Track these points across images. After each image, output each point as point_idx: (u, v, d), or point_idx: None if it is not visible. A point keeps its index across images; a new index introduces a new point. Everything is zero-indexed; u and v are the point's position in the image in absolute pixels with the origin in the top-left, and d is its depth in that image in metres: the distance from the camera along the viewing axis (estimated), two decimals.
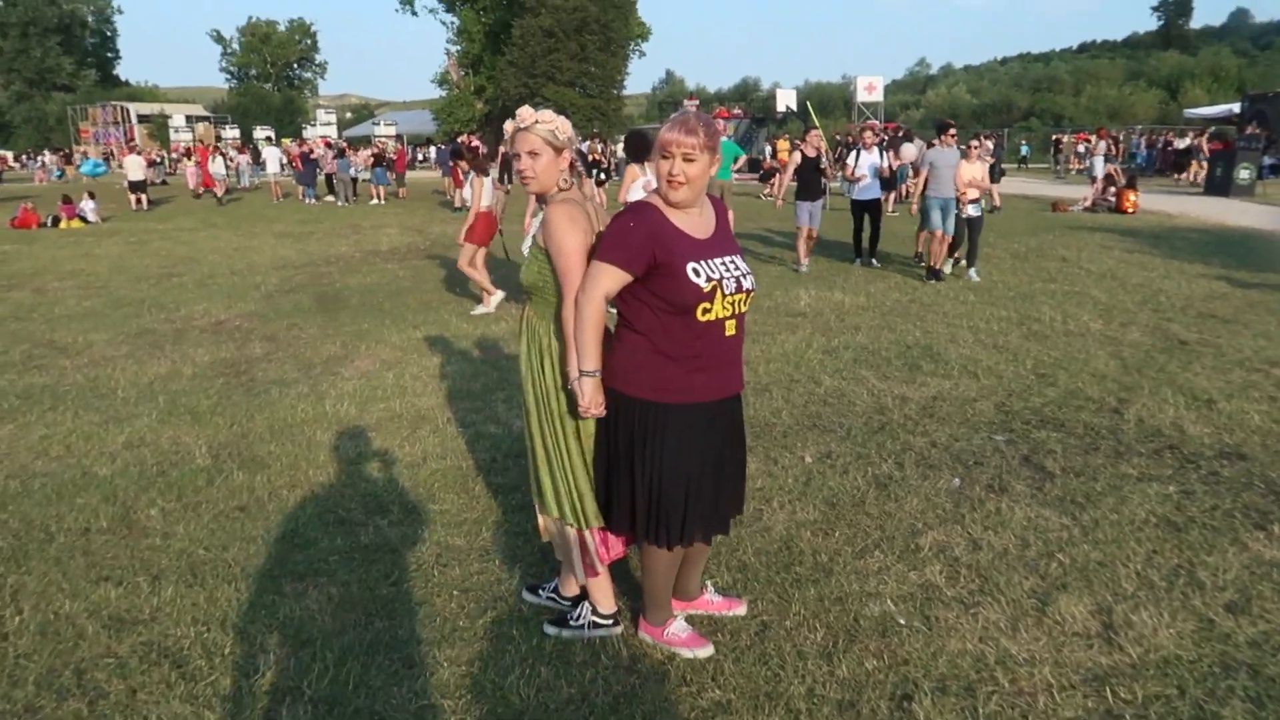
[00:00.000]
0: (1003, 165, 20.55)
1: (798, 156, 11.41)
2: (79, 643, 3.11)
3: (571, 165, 2.89)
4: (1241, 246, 12.79)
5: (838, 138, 39.91)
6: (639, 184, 8.43)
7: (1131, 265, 11.12)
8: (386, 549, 3.80)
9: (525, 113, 2.84)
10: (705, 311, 2.66)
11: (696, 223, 2.76)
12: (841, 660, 2.96)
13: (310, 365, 7.03)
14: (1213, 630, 3.09)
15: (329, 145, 32.21)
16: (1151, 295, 9.08)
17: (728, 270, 2.70)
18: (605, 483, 2.91)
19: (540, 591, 3.35)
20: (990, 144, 22.49)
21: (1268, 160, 24.89)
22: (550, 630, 3.15)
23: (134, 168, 24.39)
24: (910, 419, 5.40)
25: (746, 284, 2.75)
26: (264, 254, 14.12)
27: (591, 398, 2.72)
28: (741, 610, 3.25)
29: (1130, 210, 17.66)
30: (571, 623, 3.14)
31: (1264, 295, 8.94)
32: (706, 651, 3.01)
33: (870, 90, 42.94)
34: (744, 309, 2.77)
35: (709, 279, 2.64)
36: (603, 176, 24.26)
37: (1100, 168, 19.51)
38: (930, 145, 11.13)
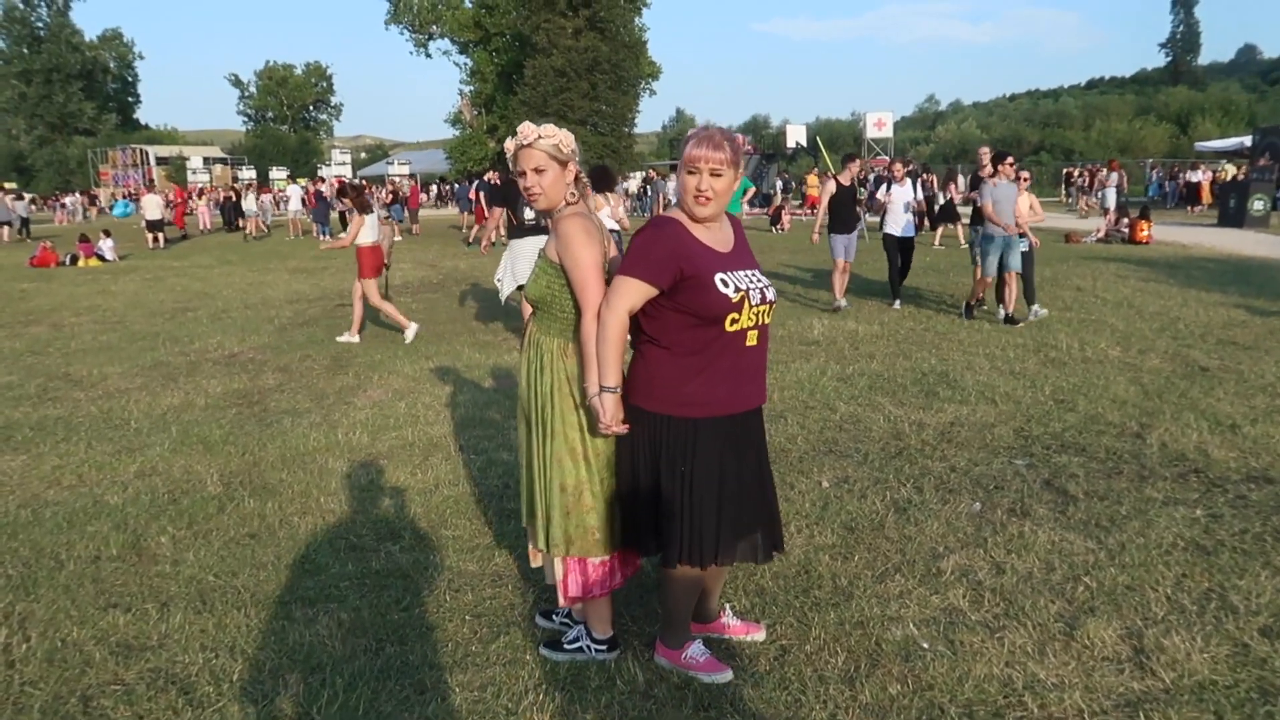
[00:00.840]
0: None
1: (832, 186, 10.65)
2: (86, 670, 3.06)
3: (577, 178, 2.87)
4: (1260, 275, 12.69)
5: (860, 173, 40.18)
6: (604, 213, 9.03)
7: (1148, 294, 11.03)
8: (398, 574, 3.74)
9: (527, 129, 2.82)
10: (733, 322, 2.66)
11: (718, 237, 2.76)
12: (864, 685, 2.87)
13: (323, 395, 7.02)
14: (1248, 655, 2.99)
15: (341, 181, 32.60)
16: (1169, 323, 8.99)
17: (752, 281, 2.71)
18: (627, 505, 2.84)
19: (554, 616, 3.28)
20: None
21: None
22: (545, 653, 3.08)
23: (151, 207, 24.71)
24: (928, 444, 5.33)
25: (770, 295, 2.75)
26: (278, 289, 14.20)
27: (613, 414, 2.67)
28: (760, 635, 3.17)
29: (1144, 241, 17.58)
30: (566, 645, 3.08)
31: None
32: (725, 677, 2.93)
33: (880, 126, 43.22)
34: (767, 320, 2.76)
35: (737, 289, 2.64)
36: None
37: (1113, 199, 19.48)
38: (979, 178, 10.49)
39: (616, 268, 2.71)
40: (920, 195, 11.18)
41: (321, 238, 25.71)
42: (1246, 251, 16.06)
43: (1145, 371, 6.96)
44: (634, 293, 2.62)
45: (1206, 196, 28.71)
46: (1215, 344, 7.93)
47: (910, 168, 26.46)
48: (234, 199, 31.55)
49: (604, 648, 3.05)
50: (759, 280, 2.73)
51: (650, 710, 2.77)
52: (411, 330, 9.36)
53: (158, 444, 5.75)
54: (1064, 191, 37.58)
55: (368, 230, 9.07)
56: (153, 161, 63.84)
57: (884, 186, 11.09)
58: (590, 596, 2.96)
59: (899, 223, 10.81)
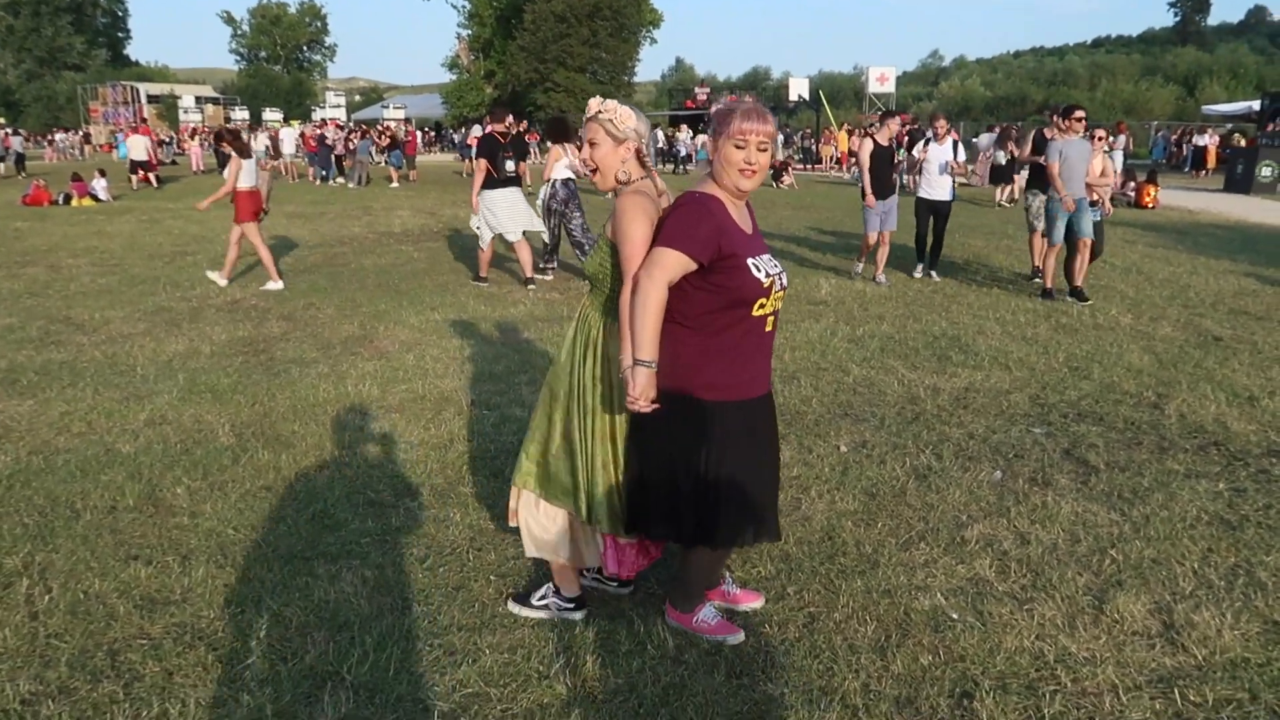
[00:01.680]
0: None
1: (869, 145, 9.36)
2: (110, 623, 3.03)
3: (639, 157, 2.79)
4: (1268, 244, 12.64)
5: (849, 128, 39.67)
6: (562, 164, 9.62)
7: (1156, 260, 10.98)
8: (419, 532, 3.71)
9: (593, 102, 2.78)
10: (761, 307, 2.65)
11: (744, 216, 2.74)
12: (896, 655, 2.87)
13: (329, 345, 6.94)
14: (1278, 632, 2.99)
15: (339, 127, 32.12)
16: (1180, 290, 8.95)
17: (772, 267, 2.70)
18: (642, 486, 2.79)
19: (585, 573, 3.25)
20: (990, 137, 22.30)
21: None
22: (513, 608, 3.10)
23: (136, 147, 24.33)
24: (944, 409, 5.30)
25: (785, 281, 2.76)
26: (276, 233, 14.01)
27: (643, 389, 2.56)
28: (759, 604, 3.14)
29: (1150, 205, 17.47)
30: (534, 602, 3.09)
31: None
32: (738, 638, 2.93)
33: (882, 81, 42.66)
34: (780, 306, 2.77)
35: (767, 274, 2.64)
36: None
37: (1120, 161, 19.30)
38: (1045, 134, 9.42)
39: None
40: (961, 156, 9.91)
41: (318, 181, 25.36)
42: (1254, 219, 15.98)
43: (1158, 340, 6.93)
44: (675, 265, 2.54)
45: (1212, 161, 28.50)
46: (1227, 313, 7.90)
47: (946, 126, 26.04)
48: None
49: (571, 606, 3.07)
50: (776, 266, 2.73)
51: (682, 676, 2.76)
52: (275, 285, 9.31)
53: (165, 391, 5.68)
54: None
55: (246, 175, 9.13)
56: (143, 99, 62.76)
57: (921, 143, 9.99)
58: (624, 574, 2.97)
59: (933, 185, 9.71)
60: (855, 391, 5.68)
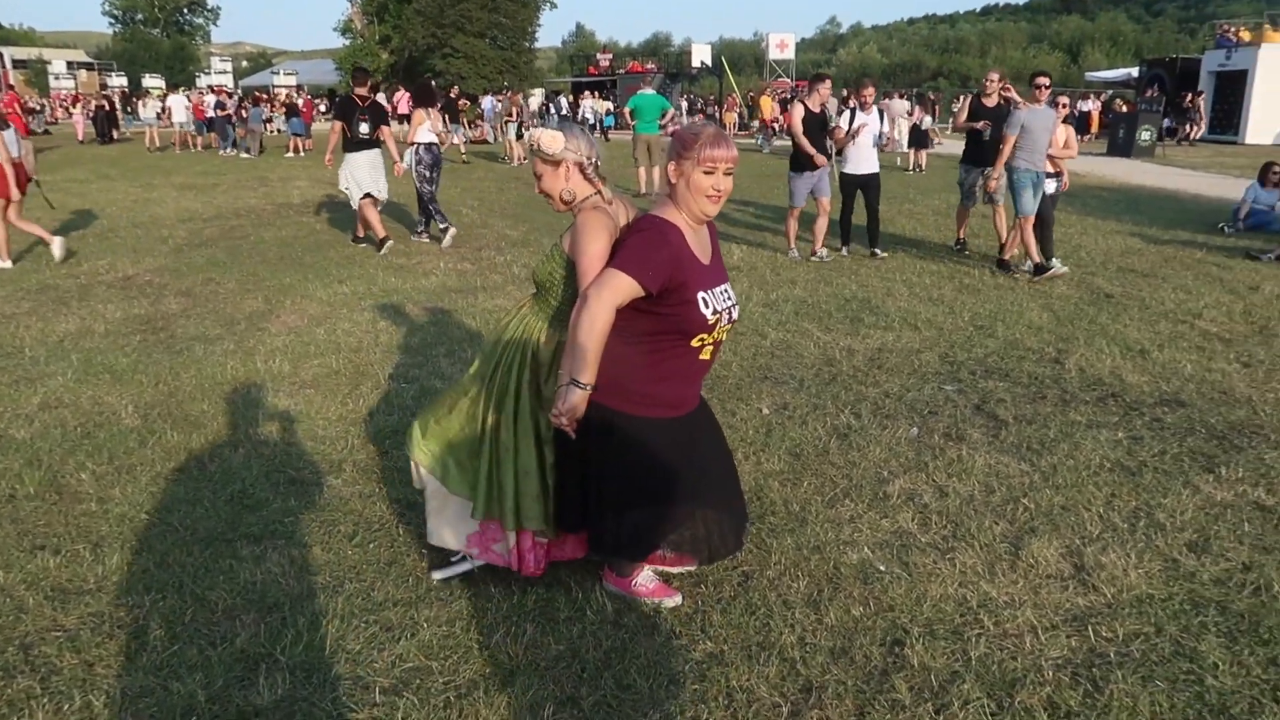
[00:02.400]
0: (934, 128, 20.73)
1: (800, 112, 8.71)
2: (20, 616, 2.88)
3: (583, 173, 2.75)
4: (1150, 204, 13.30)
5: (751, 94, 39.95)
6: (425, 127, 9.86)
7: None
8: (345, 509, 3.63)
9: (529, 137, 2.81)
10: (700, 341, 2.69)
11: (701, 242, 2.74)
12: (828, 608, 2.95)
13: (233, 321, 6.69)
14: (1178, 569, 3.19)
15: (229, 95, 30.76)
16: (1072, 250, 9.35)
17: (724, 302, 2.71)
18: (563, 488, 2.84)
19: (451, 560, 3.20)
20: (905, 104, 22.84)
21: (1166, 123, 25.91)
22: (436, 576, 3.10)
23: None
24: (859, 370, 5.44)
25: (734, 314, 2.77)
26: (167, 206, 13.39)
27: (570, 409, 2.56)
28: (694, 565, 3.18)
29: None
30: (452, 561, 3.12)
31: (1177, 251, 9.30)
32: (675, 601, 2.98)
33: (782, 48, 43.03)
34: (724, 338, 2.80)
35: (715, 311, 2.65)
36: (521, 131, 23.74)
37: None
38: (1010, 104, 8.84)
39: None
40: (885, 126, 9.31)
41: (224, 151, 24.17)
42: (1135, 180, 16.77)
43: (1055, 299, 7.23)
44: (625, 289, 2.53)
45: (1096, 126, 29.74)
46: (1116, 271, 8.30)
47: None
48: (108, 108, 29.42)
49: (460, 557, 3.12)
50: (729, 299, 2.75)
51: (623, 640, 2.79)
52: (4, 264, 8.80)
53: (59, 373, 5.39)
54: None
55: (11, 146, 8.84)
56: (8, 64, 58.79)
57: (846, 114, 9.11)
58: (535, 572, 2.95)
59: (860, 159, 8.96)
60: (773, 355, 5.77)
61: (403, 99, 29.06)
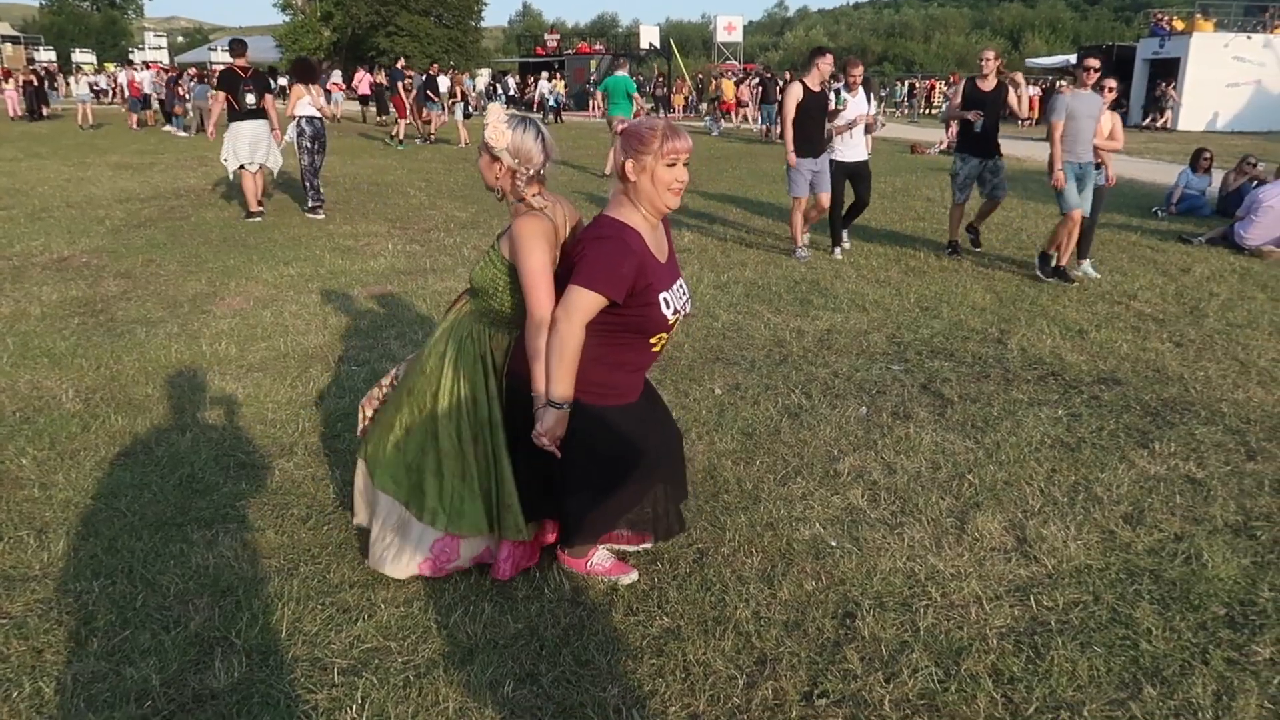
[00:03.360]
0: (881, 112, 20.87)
1: (797, 91, 7.74)
2: None
3: (513, 178, 2.70)
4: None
5: (699, 76, 39.98)
6: (304, 101, 10.22)
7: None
8: (298, 492, 3.60)
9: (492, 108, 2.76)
10: (658, 340, 2.73)
11: (658, 240, 2.74)
12: (781, 583, 3.01)
13: (176, 304, 6.55)
14: (1114, 540, 3.31)
15: (164, 70, 29.91)
16: (1014, 234, 9.56)
17: (680, 299, 2.74)
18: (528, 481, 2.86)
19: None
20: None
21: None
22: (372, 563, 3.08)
23: None
24: (809, 351, 5.52)
25: (688, 309, 2.80)
26: (102, 186, 13.00)
27: (551, 429, 2.59)
28: (649, 544, 3.22)
29: None
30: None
31: (1112, 234, 9.56)
32: (631, 578, 3.02)
33: (730, 30, 43.12)
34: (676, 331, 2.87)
35: (674, 311, 2.68)
36: (470, 110, 23.47)
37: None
38: (1056, 88, 8.20)
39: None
40: (874, 110, 8.54)
41: (174, 131, 23.34)
42: None
43: (997, 280, 7.41)
44: (594, 306, 2.55)
45: (1036, 111, 30.30)
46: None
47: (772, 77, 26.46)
48: (35, 83, 28.41)
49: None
50: (684, 294, 2.78)
51: (580, 617, 2.82)
52: None
53: None
54: (906, 103, 38.86)
55: None
56: None
57: (834, 95, 8.17)
58: (507, 575, 2.96)
59: (848, 144, 8.25)
60: (725, 336, 5.83)
61: (363, 79, 28.58)
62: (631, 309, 2.60)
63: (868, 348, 5.59)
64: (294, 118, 10.28)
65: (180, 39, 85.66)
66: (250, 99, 9.78)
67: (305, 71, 10.69)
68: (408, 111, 20.69)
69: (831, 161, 8.17)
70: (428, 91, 20.43)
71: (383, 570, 2.94)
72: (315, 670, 2.55)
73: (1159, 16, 32.09)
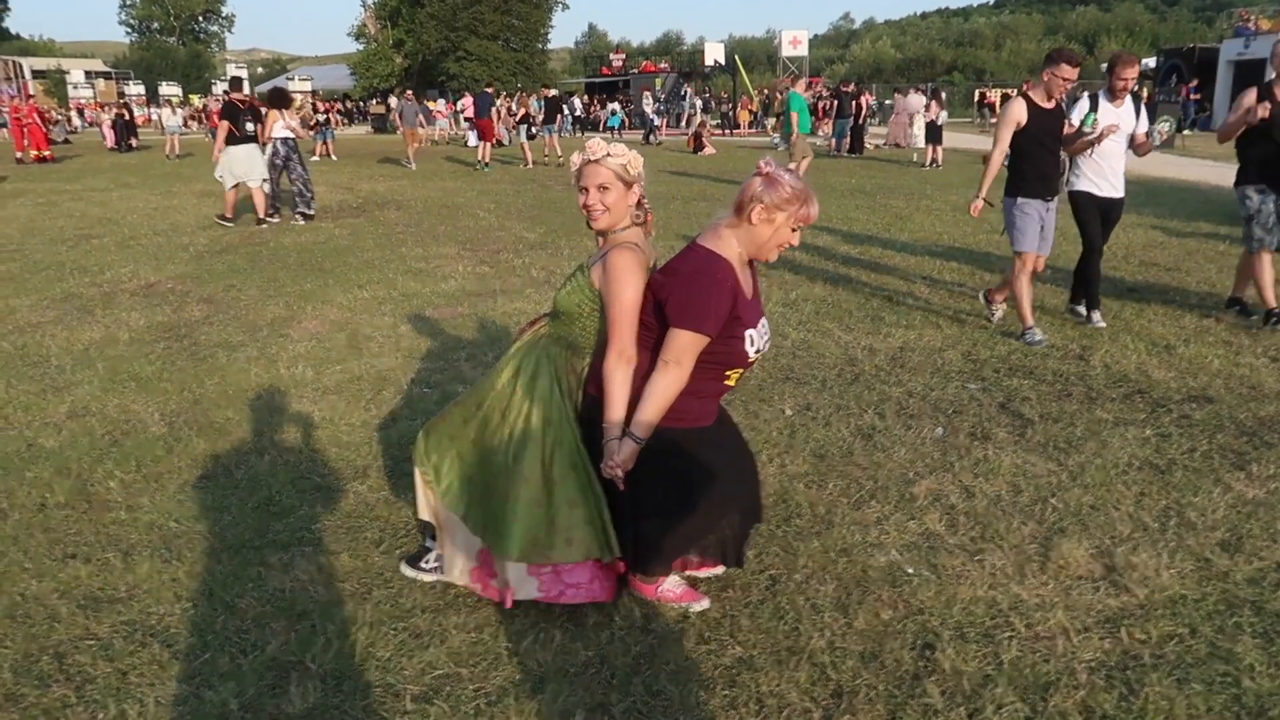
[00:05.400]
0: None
1: (1020, 110, 5.65)
2: (54, 625, 2.90)
3: (640, 203, 2.75)
4: (1170, 197, 13.18)
5: (765, 92, 39.86)
6: (279, 125, 11.90)
7: (1066, 215, 11.24)
8: (371, 515, 3.65)
9: (596, 145, 2.70)
10: (733, 374, 2.72)
11: (747, 278, 2.74)
12: (857, 612, 2.93)
13: (255, 328, 6.73)
14: (1211, 569, 3.15)
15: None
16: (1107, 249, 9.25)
17: (764, 337, 2.73)
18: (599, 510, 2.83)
19: (424, 563, 3.17)
20: (921, 99, 22.71)
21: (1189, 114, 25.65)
22: (405, 570, 3.16)
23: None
24: (882, 369, 5.41)
25: (766, 348, 2.79)
26: (187, 214, 13.48)
27: (625, 461, 2.61)
28: (720, 570, 3.17)
29: None
30: (424, 566, 3.13)
31: (1200, 244, 9.21)
32: (702, 605, 2.97)
33: (795, 44, 42.87)
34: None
35: (757, 349, 2.68)
36: (533, 131, 23.75)
37: None
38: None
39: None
40: (1144, 125, 6.15)
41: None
42: (1154, 173, 16.60)
43: None
44: (700, 347, 2.57)
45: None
46: (1139, 265, 8.22)
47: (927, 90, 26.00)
48: (126, 116, 29.69)
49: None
50: (766, 333, 2.76)
51: (651, 645, 2.78)
52: None
53: (85, 381, 5.44)
54: (976, 112, 38.17)
55: None
56: (28, 74, 59.41)
57: (1075, 106, 6.04)
58: (606, 597, 2.91)
59: (1104, 171, 6.04)
60: (795, 355, 5.75)
61: (469, 103, 29.21)
62: (717, 340, 2.58)
63: (942, 365, 5.45)
64: (269, 141, 11.87)
65: (260, 70, 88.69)
66: (249, 127, 11.51)
67: (279, 99, 12.36)
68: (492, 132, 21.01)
69: (1078, 194, 6.16)
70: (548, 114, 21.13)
71: (451, 578, 2.99)
72: (388, 697, 2.56)
73: (1244, 16, 30.98)
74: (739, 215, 2.62)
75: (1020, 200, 5.78)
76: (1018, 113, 5.68)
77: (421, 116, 24.35)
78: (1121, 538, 3.37)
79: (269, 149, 11.95)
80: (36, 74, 60.28)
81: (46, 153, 23.31)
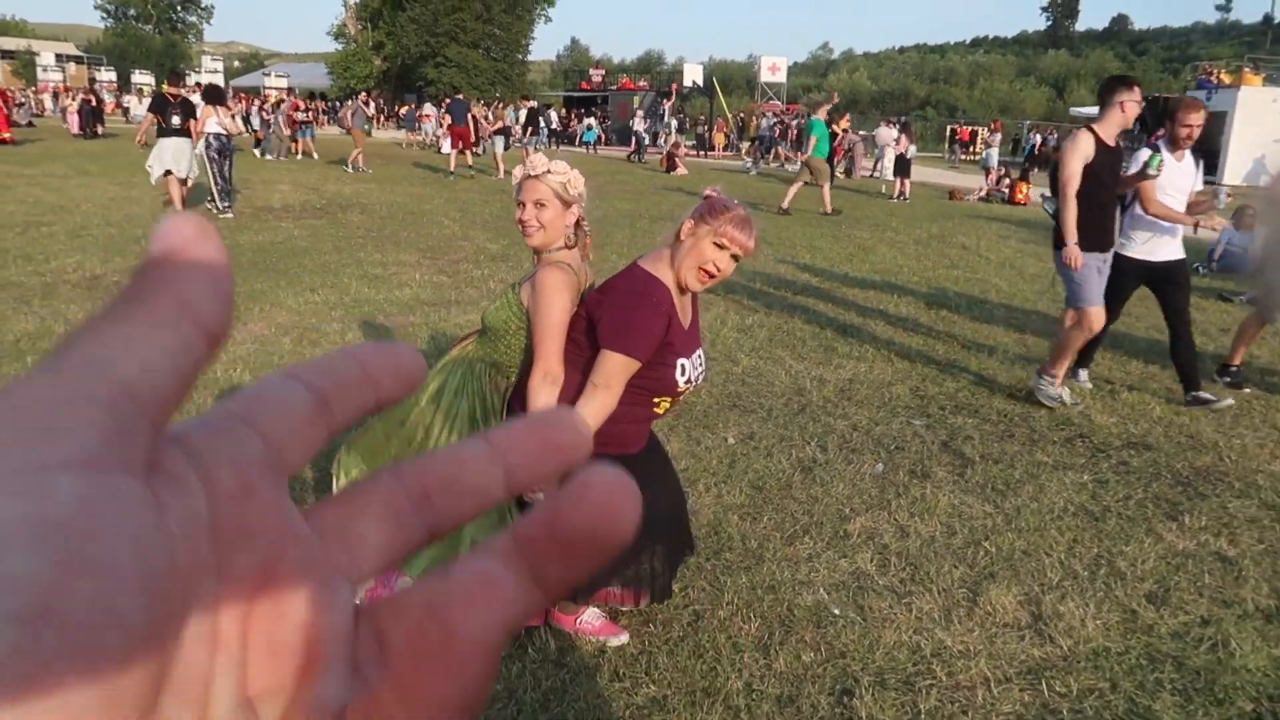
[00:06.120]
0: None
1: (1088, 145, 4.95)
2: None
3: (578, 225, 2.68)
4: None
5: (740, 115, 40.13)
6: (212, 120, 12.12)
7: (1028, 255, 11.46)
8: None
9: (537, 160, 2.62)
10: (662, 402, 2.64)
11: (684, 305, 2.66)
12: (778, 653, 2.87)
13: None
14: (1136, 621, 3.13)
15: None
16: (1049, 286, 9.33)
17: (697, 369, 2.67)
18: None
19: None
20: (892, 132, 22.95)
21: None
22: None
23: None
24: (829, 401, 5.38)
25: (701, 379, 2.72)
26: (144, 206, 13.23)
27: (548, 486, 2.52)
28: (645, 603, 3.10)
29: (1022, 201, 18.29)
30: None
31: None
32: (620, 640, 2.90)
33: (774, 71, 43.38)
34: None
35: (689, 380, 2.60)
36: (509, 144, 23.69)
37: (995, 159, 20.12)
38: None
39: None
40: (1200, 181, 5.51)
41: (266, 156, 23.67)
42: None
43: (1029, 333, 7.22)
44: (629, 370, 2.49)
45: None
46: None
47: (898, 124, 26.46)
48: (92, 103, 29.20)
49: None
50: (701, 364, 2.69)
51: (564, 679, 2.70)
52: None
53: (13, 374, 5.25)
54: (947, 148, 38.71)
55: None
56: None
57: (1142, 155, 5.11)
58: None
59: (1162, 235, 5.40)
60: (744, 382, 5.71)
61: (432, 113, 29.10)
62: (647, 367, 2.51)
63: (890, 400, 5.43)
64: (202, 135, 12.08)
65: (237, 64, 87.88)
66: (176, 120, 11.74)
67: (214, 95, 12.75)
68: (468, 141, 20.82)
69: (1127, 261, 5.47)
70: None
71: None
72: None
73: (1207, 69, 31.76)
74: (676, 235, 2.57)
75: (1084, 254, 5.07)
76: (1086, 147, 4.95)
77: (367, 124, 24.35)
78: (1051, 585, 3.35)
79: (200, 145, 12.19)
80: (5, 54, 59.27)
81: (6, 135, 22.81)
